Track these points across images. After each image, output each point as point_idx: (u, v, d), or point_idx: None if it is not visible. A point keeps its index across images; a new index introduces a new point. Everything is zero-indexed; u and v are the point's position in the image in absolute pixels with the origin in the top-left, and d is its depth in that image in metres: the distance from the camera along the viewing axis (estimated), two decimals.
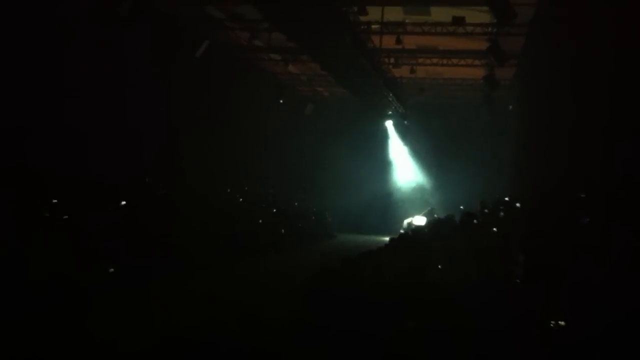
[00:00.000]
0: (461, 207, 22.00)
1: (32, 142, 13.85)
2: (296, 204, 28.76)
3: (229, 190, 24.19)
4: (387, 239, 15.03)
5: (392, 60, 22.79)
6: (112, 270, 12.34)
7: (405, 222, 26.80)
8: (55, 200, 13.25)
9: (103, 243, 12.41)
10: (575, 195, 11.27)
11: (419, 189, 32.66)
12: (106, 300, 10.56)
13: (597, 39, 11.19)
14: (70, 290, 9.96)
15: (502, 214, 17.44)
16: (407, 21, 19.72)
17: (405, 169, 33.62)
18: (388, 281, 7.50)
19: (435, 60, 23.55)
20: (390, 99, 24.99)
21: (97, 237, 12.49)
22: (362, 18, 17.63)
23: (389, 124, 32.26)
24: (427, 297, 6.28)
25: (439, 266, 9.54)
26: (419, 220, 25.73)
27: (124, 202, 15.47)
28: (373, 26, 18.99)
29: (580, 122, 12.22)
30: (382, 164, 33.29)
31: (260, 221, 22.23)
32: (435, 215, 24.88)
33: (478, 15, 18.17)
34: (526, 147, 21.45)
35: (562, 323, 6.05)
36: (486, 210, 19.74)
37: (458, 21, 18.11)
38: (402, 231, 21.86)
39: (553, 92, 15.50)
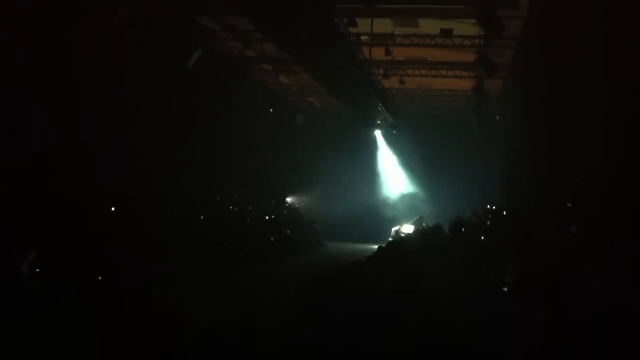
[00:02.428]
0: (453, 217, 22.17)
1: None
2: (286, 212, 28.88)
3: (218, 198, 24.30)
4: (375, 247, 15.20)
5: (381, 71, 23.03)
6: (101, 277, 12.37)
7: (393, 230, 26.96)
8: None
9: (98, 248, 12.48)
10: (563, 205, 11.48)
11: (408, 198, 32.87)
12: (102, 304, 10.65)
13: (588, 51, 11.41)
14: (70, 291, 10.08)
15: (488, 222, 17.70)
16: (396, 33, 19.97)
17: (394, 178, 33.86)
18: (377, 291, 7.62)
19: (424, 72, 23.78)
20: (380, 109, 25.24)
21: (93, 242, 12.56)
22: (352, 30, 17.83)
23: (378, 134, 32.57)
24: (417, 312, 6.39)
25: (429, 275, 9.69)
26: (407, 228, 25.90)
27: (113, 209, 15.59)
28: (363, 38, 19.19)
29: (571, 132, 12.40)
30: (372, 173, 33.52)
31: (250, 229, 22.32)
32: (424, 224, 25.09)
33: (466, 28, 18.43)
34: (515, 157, 21.69)
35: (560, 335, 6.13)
36: (474, 219, 19.99)
37: (446, 33, 18.34)
38: (390, 239, 22.05)
39: (542, 103, 15.73)
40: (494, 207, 20.66)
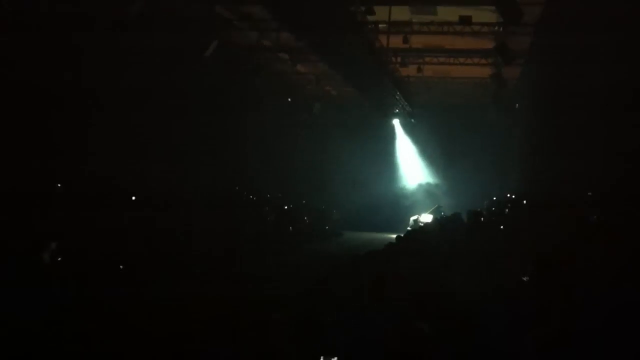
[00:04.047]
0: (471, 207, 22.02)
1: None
2: (304, 201, 28.85)
3: (237, 188, 24.33)
4: (394, 236, 15.13)
5: (399, 59, 22.85)
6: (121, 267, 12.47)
7: (412, 219, 26.86)
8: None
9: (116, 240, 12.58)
10: (583, 194, 11.37)
11: (426, 187, 32.74)
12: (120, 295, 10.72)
13: (606, 37, 11.26)
14: (70, 293, 10.10)
15: (507, 210, 17.60)
16: (414, 21, 19.77)
17: (412, 167, 33.72)
18: (394, 282, 7.56)
19: (442, 60, 23.58)
20: (398, 97, 25.12)
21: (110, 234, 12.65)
22: (370, 18, 17.70)
23: (396, 123, 32.40)
24: (432, 302, 6.33)
25: (446, 265, 9.62)
26: (426, 217, 25.80)
27: (133, 198, 15.73)
28: (380, 26, 19.06)
29: (591, 121, 12.27)
30: (390, 162, 33.39)
31: (268, 219, 22.36)
32: (442, 213, 24.96)
33: (485, 15, 18.23)
34: (533, 145, 21.51)
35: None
36: (493, 208, 19.88)
37: (465, 20, 18.14)
38: (409, 228, 21.98)
39: (561, 92, 15.57)
40: (513, 196, 20.51)
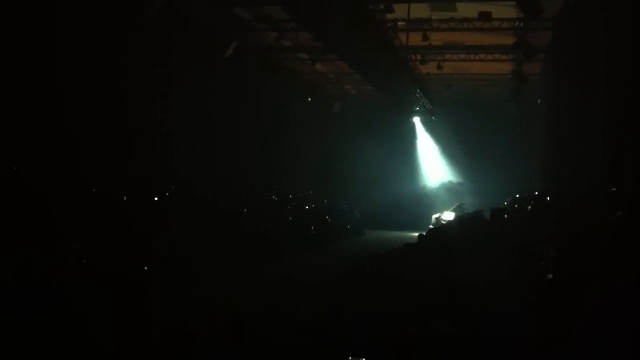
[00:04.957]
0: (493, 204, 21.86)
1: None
2: (325, 201, 28.82)
3: (259, 188, 24.38)
4: (416, 234, 15.09)
5: (418, 57, 22.78)
6: (145, 268, 12.52)
7: (434, 217, 26.72)
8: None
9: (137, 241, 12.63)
10: (607, 189, 11.24)
11: (448, 185, 32.57)
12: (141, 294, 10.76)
13: (627, 31, 11.12)
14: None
15: (529, 207, 17.45)
16: (433, 18, 19.73)
17: (434, 165, 33.59)
18: (414, 281, 7.54)
19: (462, 56, 23.48)
20: (418, 95, 25.06)
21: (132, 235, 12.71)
22: (389, 16, 17.66)
23: (416, 120, 32.32)
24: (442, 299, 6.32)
25: (467, 263, 9.57)
26: (448, 215, 25.65)
27: (156, 198, 15.83)
28: (399, 23, 19.02)
29: (615, 116, 12.11)
30: (411, 160, 33.30)
31: (290, 218, 22.34)
32: (465, 211, 24.81)
33: (504, 10, 18.11)
34: (556, 141, 21.31)
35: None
36: (516, 205, 19.72)
37: (484, 16, 18.00)
38: (431, 226, 21.90)
39: (584, 86, 15.40)
40: (536, 193, 20.33)
